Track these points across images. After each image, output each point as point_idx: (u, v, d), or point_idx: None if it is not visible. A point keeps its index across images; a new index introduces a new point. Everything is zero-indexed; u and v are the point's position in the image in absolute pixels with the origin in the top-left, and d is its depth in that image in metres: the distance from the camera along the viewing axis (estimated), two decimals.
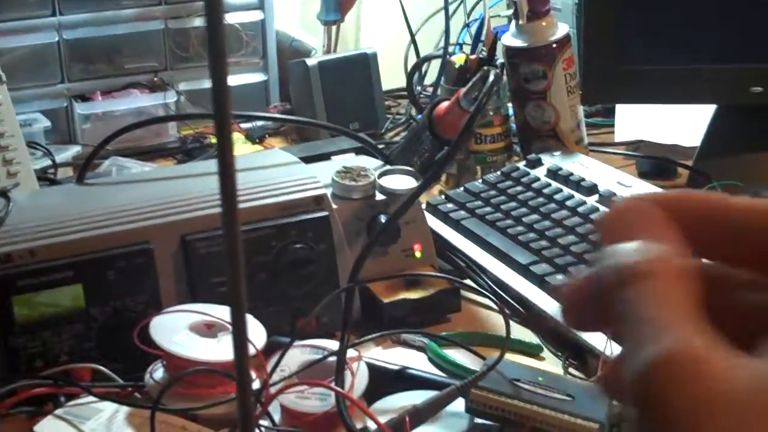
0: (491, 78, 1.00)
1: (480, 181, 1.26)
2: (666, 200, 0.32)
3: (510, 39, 1.32)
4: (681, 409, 0.27)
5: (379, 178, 1.05)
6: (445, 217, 1.19)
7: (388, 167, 1.08)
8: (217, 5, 0.31)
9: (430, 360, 0.93)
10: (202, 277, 0.94)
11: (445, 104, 1.09)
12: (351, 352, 0.86)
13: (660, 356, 0.27)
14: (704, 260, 0.32)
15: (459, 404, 0.79)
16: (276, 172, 1.04)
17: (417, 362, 0.92)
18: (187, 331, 0.86)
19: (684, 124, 1.48)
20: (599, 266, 0.31)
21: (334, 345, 0.86)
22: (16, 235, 0.92)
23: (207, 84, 1.64)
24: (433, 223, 1.19)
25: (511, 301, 1.02)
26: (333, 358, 0.84)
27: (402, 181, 1.05)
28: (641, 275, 0.29)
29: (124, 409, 0.83)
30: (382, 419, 0.75)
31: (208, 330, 0.86)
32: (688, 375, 0.27)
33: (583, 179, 1.18)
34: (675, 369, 0.27)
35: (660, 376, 0.27)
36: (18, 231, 0.92)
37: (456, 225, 1.17)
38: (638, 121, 1.51)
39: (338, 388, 0.78)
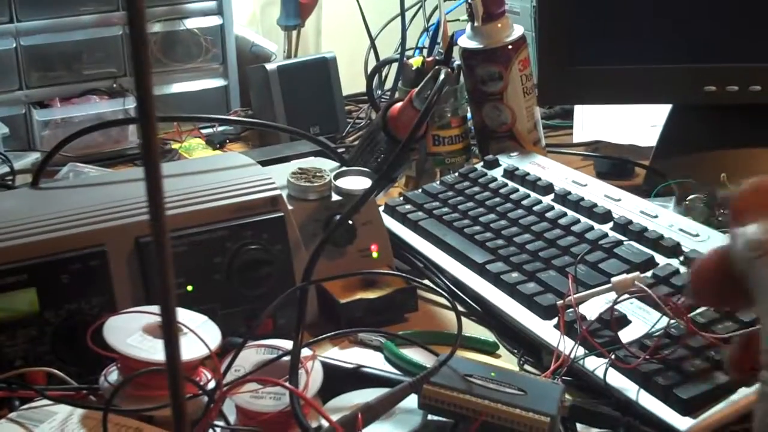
0: (441, 77, 1.01)
1: (438, 182, 1.27)
2: None
3: (466, 41, 1.33)
4: None
5: (335, 179, 1.05)
6: (403, 218, 1.20)
7: (344, 168, 1.08)
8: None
9: (387, 359, 0.94)
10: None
11: (398, 105, 1.09)
12: (306, 352, 0.86)
13: None
14: None
15: (413, 401, 0.79)
16: (231, 174, 1.04)
17: (374, 361, 0.92)
18: (141, 333, 0.85)
19: (641, 124, 1.49)
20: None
21: (289, 345, 0.86)
22: None
23: (168, 89, 1.64)
24: (391, 224, 1.19)
25: (468, 300, 1.03)
26: (288, 358, 0.85)
27: (358, 182, 1.06)
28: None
29: (79, 412, 0.82)
30: (336, 417, 0.76)
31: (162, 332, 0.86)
32: None
33: (539, 179, 1.19)
34: None
35: None
36: None
37: (414, 226, 1.18)
38: (596, 122, 1.52)
39: (291, 386, 0.78)
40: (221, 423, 0.80)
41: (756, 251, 0.30)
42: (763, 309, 0.29)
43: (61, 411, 0.82)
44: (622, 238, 1.02)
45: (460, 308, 0.95)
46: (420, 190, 1.26)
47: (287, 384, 0.79)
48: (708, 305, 0.33)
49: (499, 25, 1.31)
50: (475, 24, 1.31)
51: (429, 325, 1.01)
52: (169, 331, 0.36)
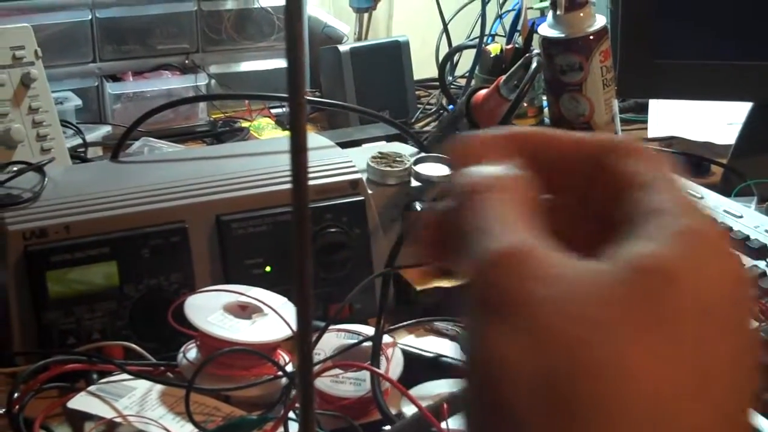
0: (533, 65, 1.00)
1: None
2: (511, 135, 0.34)
3: (547, 29, 1.31)
4: (504, 295, 0.27)
5: (414, 164, 1.04)
6: None
7: (423, 154, 1.07)
8: None
9: (464, 349, 0.92)
10: (237, 258, 0.94)
11: (483, 92, 1.08)
12: (386, 338, 0.85)
13: (493, 252, 0.28)
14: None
15: None
16: (311, 156, 1.03)
17: (450, 351, 0.91)
18: (222, 312, 0.85)
19: (717, 121, 1.46)
20: (450, 188, 0.33)
21: (369, 330, 0.86)
22: (52, 210, 0.91)
23: (237, 67, 1.64)
24: None
25: None
26: (368, 344, 0.84)
27: (437, 169, 1.05)
28: (481, 189, 0.31)
29: (157, 388, 0.82)
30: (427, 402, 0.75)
31: (243, 311, 0.86)
32: (521, 266, 0.28)
33: None
34: (507, 260, 0.28)
35: (490, 265, 0.28)
36: (53, 206, 0.92)
37: None
38: (671, 117, 1.50)
39: (376, 369, 0.78)
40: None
41: (467, 193, 0.31)
42: (465, 246, 0.30)
43: (140, 386, 0.82)
44: None
45: None
46: None
47: (373, 367, 0.78)
48: (439, 261, 0.34)
49: (582, 14, 1.29)
50: (558, 12, 1.29)
51: None
52: (302, 311, 0.35)
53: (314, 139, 1.15)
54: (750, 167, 1.27)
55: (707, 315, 0.27)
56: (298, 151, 0.34)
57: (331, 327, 0.86)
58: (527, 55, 1.03)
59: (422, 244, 0.35)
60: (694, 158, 1.39)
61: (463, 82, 1.61)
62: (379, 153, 1.05)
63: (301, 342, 0.37)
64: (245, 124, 1.54)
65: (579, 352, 0.26)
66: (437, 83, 1.62)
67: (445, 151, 0.34)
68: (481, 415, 0.28)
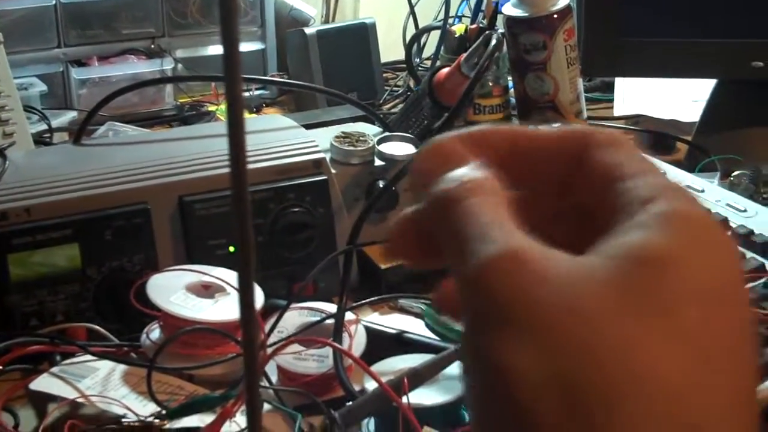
0: (493, 42, 1.00)
1: None
2: (469, 136, 0.34)
3: (511, 9, 1.31)
4: (505, 302, 0.27)
5: (378, 144, 1.04)
6: None
7: (387, 133, 1.08)
8: None
9: (428, 326, 0.93)
10: (200, 238, 0.94)
11: (445, 70, 1.08)
12: (349, 315, 0.85)
13: (487, 258, 0.28)
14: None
15: (457, 368, 0.78)
16: (275, 136, 1.03)
17: (414, 328, 0.92)
18: (184, 292, 0.85)
19: (682, 99, 1.47)
20: (422, 196, 0.33)
21: (331, 308, 0.86)
22: (13, 193, 0.91)
23: (204, 51, 1.63)
24: None
25: None
26: (330, 321, 0.84)
27: (401, 148, 1.05)
28: (458, 197, 0.31)
29: (120, 368, 0.82)
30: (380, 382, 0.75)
31: (206, 291, 0.86)
32: (519, 270, 0.28)
33: None
34: (504, 265, 0.28)
35: (487, 272, 0.28)
36: (14, 189, 0.91)
37: None
38: (637, 96, 1.50)
39: (338, 345, 0.78)
40: (264, 383, 0.80)
41: (445, 201, 0.31)
42: (454, 253, 0.30)
43: (103, 367, 0.82)
44: None
45: None
46: None
47: (335, 343, 0.78)
48: (413, 265, 0.35)
49: None
50: None
51: None
52: (245, 290, 0.35)
53: (278, 119, 1.15)
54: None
55: (706, 297, 0.27)
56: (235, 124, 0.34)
57: (294, 305, 0.86)
58: (487, 32, 1.03)
59: (401, 250, 0.35)
60: (659, 136, 1.40)
61: (430, 63, 1.61)
62: (343, 133, 1.05)
63: (247, 326, 0.37)
64: (212, 108, 1.53)
65: (585, 350, 0.26)
66: (404, 65, 1.62)
67: (414, 163, 0.34)
68: (494, 420, 0.28)
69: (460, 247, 0.30)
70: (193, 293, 0.85)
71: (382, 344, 0.85)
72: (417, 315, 0.95)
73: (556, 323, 0.27)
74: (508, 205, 0.31)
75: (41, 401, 0.81)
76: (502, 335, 0.27)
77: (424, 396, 0.74)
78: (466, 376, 0.29)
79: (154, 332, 0.85)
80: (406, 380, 0.72)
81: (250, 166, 1.00)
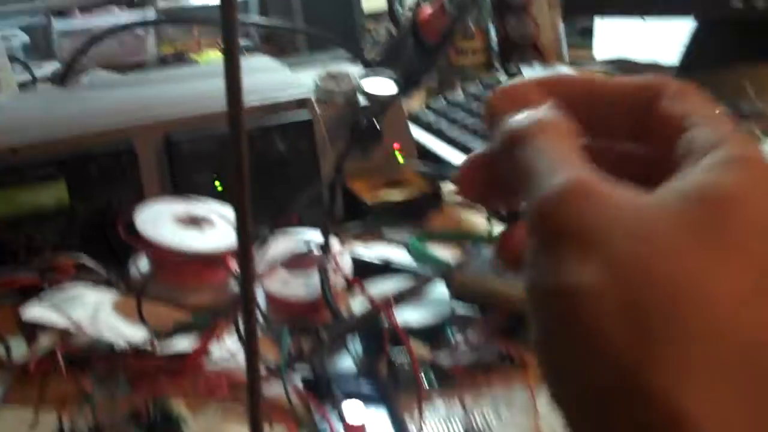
0: None
1: (460, 91, 1.27)
2: (547, 81, 0.35)
3: None
4: (577, 229, 0.29)
5: (361, 82, 1.05)
6: (426, 127, 1.20)
7: (370, 73, 1.08)
8: None
9: (413, 256, 0.94)
10: (185, 176, 0.95)
11: (429, 9, 1.09)
12: (335, 243, 0.86)
13: (558, 186, 0.30)
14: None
15: (442, 291, 0.80)
16: (260, 76, 1.04)
17: (400, 258, 0.93)
18: (172, 224, 0.86)
19: (662, 42, 1.48)
20: (494, 136, 0.34)
21: (318, 236, 0.87)
22: None
23: (186, 1, 1.63)
24: (415, 132, 1.19)
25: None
26: (317, 249, 0.85)
27: (384, 86, 1.06)
28: (531, 134, 0.32)
29: (110, 299, 0.83)
30: (365, 303, 0.77)
31: (193, 223, 0.87)
32: (587, 200, 0.29)
33: None
34: (573, 195, 0.29)
35: (558, 201, 0.30)
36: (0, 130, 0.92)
37: (438, 133, 1.18)
38: (617, 39, 1.51)
39: (325, 262, 0.79)
40: None
41: (517, 138, 0.32)
42: (525, 189, 0.31)
43: (93, 297, 0.83)
44: None
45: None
46: (443, 100, 1.26)
47: (323, 266, 0.80)
48: (480, 203, 0.37)
49: None
50: None
51: (453, 224, 1.01)
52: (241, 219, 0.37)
53: (263, 61, 1.16)
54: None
55: None
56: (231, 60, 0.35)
57: (280, 234, 0.87)
58: None
59: (468, 187, 0.36)
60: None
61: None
62: (327, 72, 1.06)
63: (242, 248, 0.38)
64: (194, 57, 1.54)
65: (656, 277, 0.28)
66: (387, 13, 1.62)
67: (488, 103, 0.35)
68: (562, 344, 0.29)
69: (531, 180, 0.31)
70: (180, 225, 0.86)
71: (368, 271, 0.87)
72: (403, 246, 0.96)
73: (628, 250, 0.28)
74: (579, 146, 0.32)
75: (31, 331, 0.82)
76: (574, 259, 0.29)
77: (409, 317, 0.76)
78: (531, 303, 0.31)
79: (142, 264, 0.86)
80: (392, 299, 0.74)
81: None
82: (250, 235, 0.39)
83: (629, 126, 0.35)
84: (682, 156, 0.32)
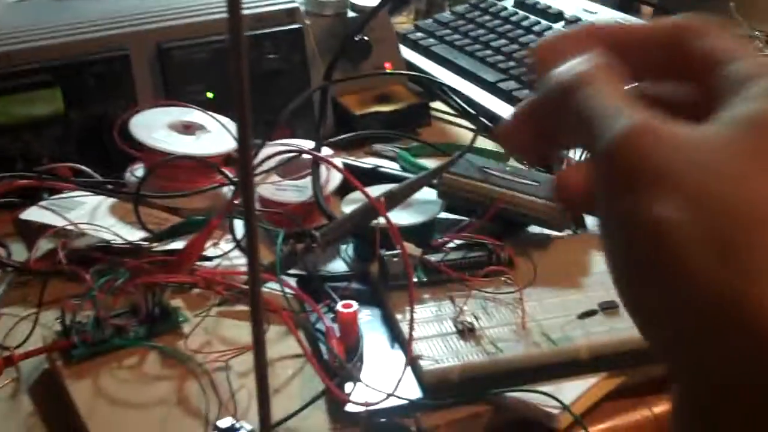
0: None
1: (448, 12, 1.28)
2: (584, 30, 0.37)
3: None
4: (651, 165, 0.30)
5: None
6: (414, 45, 1.21)
7: None
8: None
9: (402, 167, 0.96)
10: (178, 85, 0.96)
11: None
12: (326, 150, 0.88)
13: (626, 128, 0.31)
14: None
15: (431, 194, 0.82)
16: None
17: (389, 167, 0.95)
18: (166, 130, 0.88)
19: None
20: (541, 87, 0.35)
21: (309, 145, 0.89)
22: None
23: None
24: (403, 51, 1.21)
25: (478, 116, 1.05)
26: (308, 157, 0.87)
27: None
28: (586, 81, 0.33)
29: (107, 202, 0.85)
30: (357, 206, 0.79)
31: (186, 129, 0.89)
32: (655, 138, 0.31)
33: (549, 6, 1.20)
34: (641, 135, 0.31)
35: (627, 142, 0.31)
36: None
37: (426, 52, 1.19)
38: None
39: (318, 154, 0.81)
40: None
41: (571, 85, 0.33)
42: (585, 133, 0.33)
43: (90, 201, 0.85)
44: None
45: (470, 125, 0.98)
46: (431, 19, 1.27)
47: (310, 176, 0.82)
48: (527, 152, 0.38)
49: None
50: None
51: (441, 139, 1.03)
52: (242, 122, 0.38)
53: None
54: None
55: None
56: None
57: (272, 143, 0.89)
58: None
59: (514, 139, 0.38)
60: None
61: None
62: None
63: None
64: None
65: (734, 204, 0.29)
66: None
67: (531, 53, 0.36)
68: (651, 275, 0.30)
69: (594, 125, 0.32)
70: (174, 131, 0.88)
71: (359, 178, 0.88)
72: (391, 158, 0.98)
73: (701, 181, 0.30)
74: (630, 90, 0.34)
75: (30, 234, 0.84)
76: (653, 196, 0.30)
77: (398, 218, 0.78)
78: (609, 237, 0.32)
79: (138, 170, 0.88)
80: (383, 199, 0.76)
81: (225, 15, 1.02)
82: (250, 141, 0.41)
83: (663, 68, 0.36)
84: (721, 90, 0.33)
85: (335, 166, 0.80)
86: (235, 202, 0.78)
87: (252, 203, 0.43)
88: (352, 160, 0.92)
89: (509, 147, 0.39)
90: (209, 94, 0.97)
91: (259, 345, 0.46)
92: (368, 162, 0.95)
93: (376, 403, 0.63)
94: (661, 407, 0.68)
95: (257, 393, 0.47)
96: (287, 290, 0.71)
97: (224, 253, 0.79)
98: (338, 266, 0.80)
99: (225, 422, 0.58)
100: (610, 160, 0.31)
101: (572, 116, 0.34)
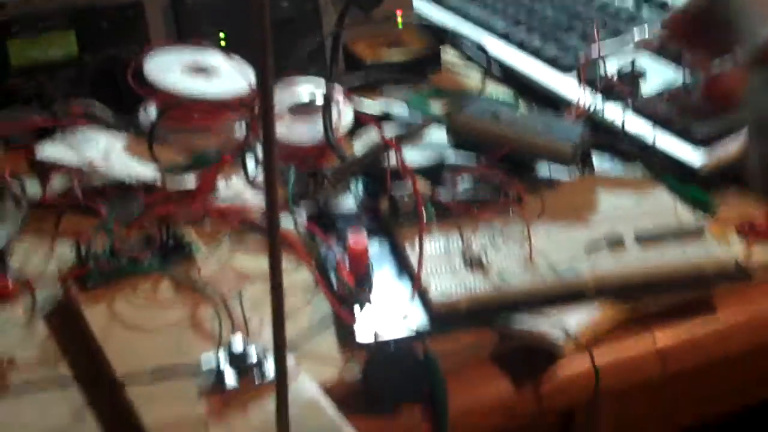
0: None
1: None
2: None
3: None
4: None
5: None
6: None
7: None
8: None
9: (411, 112, 0.97)
10: (192, 29, 0.97)
11: None
12: (338, 90, 0.89)
13: None
14: None
15: (441, 135, 0.83)
16: None
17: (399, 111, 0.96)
18: (180, 72, 0.89)
19: None
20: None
21: (321, 85, 0.90)
22: None
23: None
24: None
25: (488, 61, 1.05)
26: (320, 100, 0.88)
27: None
28: None
29: (121, 141, 0.86)
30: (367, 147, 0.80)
31: (200, 72, 0.90)
32: None
33: None
34: None
35: None
36: None
37: (436, 1, 1.20)
38: None
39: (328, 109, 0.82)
40: (258, 150, 0.84)
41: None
42: (742, 32, 0.35)
43: (104, 139, 0.86)
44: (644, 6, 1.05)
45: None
46: None
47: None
48: (683, 46, 0.41)
49: None
50: None
51: (451, 86, 1.04)
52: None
53: None
54: None
55: None
56: None
57: (283, 84, 0.90)
58: None
59: (677, 35, 0.40)
60: None
61: None
62: None
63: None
64: None
65: None
66: None
67: None
68: None
69: (746, 31, 0.36)
70: (188, 72, 0.89)
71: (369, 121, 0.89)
72: (401, 103, 0.99)
73: None
74: None
75: (45, 171, 0.85)
76: None
77: (409, 157, 0.79)
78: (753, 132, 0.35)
79: (151, 110, 0.89)
80: (395, 138, 0.77)
81: None
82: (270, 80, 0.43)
83: None
84: None
85: (348, 103, 0.81)
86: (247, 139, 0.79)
87: (273, 142, 0.45)
88: (361, 105, 0.93)
89: (671, 39, 0.42)
90: (221, 37, 0.98)
91: (276, 268, 0.47)
92: (378, 105, 0.95)
93: (385, 330, 0.64)
94: (665, 339, 0.69)
95: (272, 313, 0.49)
96: (299, 223, 0.73)
97: (236, 194, 0.80)
98: (348, 203, 0.81)
99: (238, 345, 0.60)
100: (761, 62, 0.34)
101: (727, 24, 0.36)
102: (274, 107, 0.45)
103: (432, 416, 0.61)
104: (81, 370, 0.63)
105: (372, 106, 0.94)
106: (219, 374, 0.59)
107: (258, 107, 0.84)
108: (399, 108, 0.97)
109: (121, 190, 0.79)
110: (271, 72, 0.46)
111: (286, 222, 0.75)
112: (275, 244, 0.48)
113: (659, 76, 0.92)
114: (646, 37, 0.93)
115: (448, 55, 1.09)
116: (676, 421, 0.77)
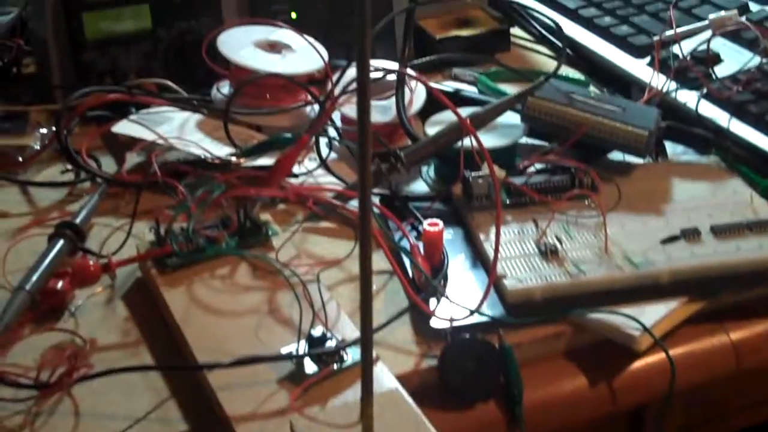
0: None
1: None
2: None
3: None
4: None
5: None
6: None
7: None
8: None
9: (481, 92, 0.97)
10: (263, 4, 0.97)
11: None
12: (410, 71, 0.89)
13: None
14: None
15: (515, 118, 0.83)
16: None
17: (469, 91, 0.96)
18: (253, 48, 0.89)
19: None
20: None
21: (393, 65, 0.90)
22: None
23: None
24: None
25: (559, 43, 1.05)
26: (392, 78, 0.88)
27: None
28: None
29: (194, 118, 0.87)
30: (440, 128, 0.80)
31: (272, 48, 0.90)
32: None
33: None
34: None
35: None
36: None
37: None
38: None
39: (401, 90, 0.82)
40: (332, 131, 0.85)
41: None
42: None
43: (178, 116, 0.87)
44: None
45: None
46: None
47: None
48: None
49: None
50: None
51: (520, 65, 1.03)
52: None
53: None
54: None
55: None
56: None
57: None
58: None
59: None
60: None
61: None
62: None
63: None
64: None
65: None
66: None
67: None
68: None
69: None
70: (261, 49, 0.89)
71: (438, 104, 0.89)
72: (470, 83, 0.99)
73: None
74: None
75: (119, 147, 0.86)
76: None
77: (482, 140, 0.78)
78: None
79: (224, 87, 0.90)
80: (469, 120, 0.77)
81: None
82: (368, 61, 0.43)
83: None
84: None
85: (424, 83, 0.81)
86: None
87: (368, 127, 0.45)
88: (433, 84, 0.92)
89: None
90: (293, 15, 0.98)
91: (365, 258, 0.48)
92: (449, 85, 0.95)
93: (460, 319, 0.64)
94: (740, 334, 0.69)
95: (360, 305, 0.49)
96: (373, 208, 0.73)
97: (310, 171, 0.81)
98: (419, 187, 0.82)
99: (317, 332, 0.60)
100: None
101: None
102: (370, 101, 0.45)
103: (506, 409, 0.62)
104: (162, 352, 0.64)
105: (443, 87, 0.94)
106: (299, 361, 0.59)
107: (332, 86, 0.85)
108: (468, 88, 0.97)
109: (197, 168, 0.79)
110: (368, 65, 0.45)
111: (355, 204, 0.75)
112: (366, 236, 0.48)
113: (734, 60, 0.91)
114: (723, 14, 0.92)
115: (518, 34, 1.09)
116: (749, 416, 0.77)
